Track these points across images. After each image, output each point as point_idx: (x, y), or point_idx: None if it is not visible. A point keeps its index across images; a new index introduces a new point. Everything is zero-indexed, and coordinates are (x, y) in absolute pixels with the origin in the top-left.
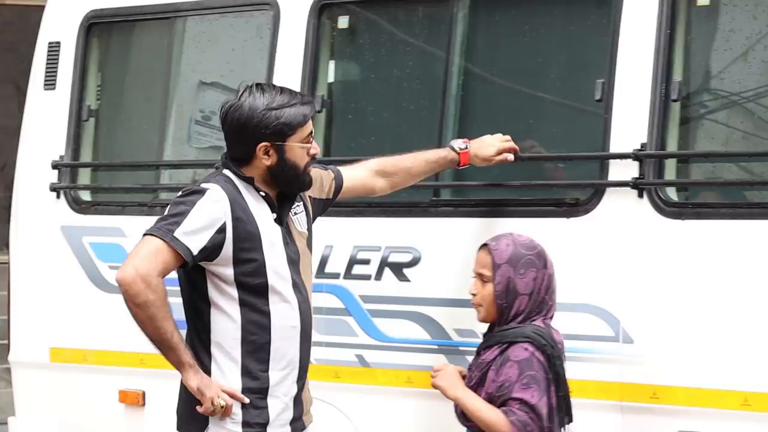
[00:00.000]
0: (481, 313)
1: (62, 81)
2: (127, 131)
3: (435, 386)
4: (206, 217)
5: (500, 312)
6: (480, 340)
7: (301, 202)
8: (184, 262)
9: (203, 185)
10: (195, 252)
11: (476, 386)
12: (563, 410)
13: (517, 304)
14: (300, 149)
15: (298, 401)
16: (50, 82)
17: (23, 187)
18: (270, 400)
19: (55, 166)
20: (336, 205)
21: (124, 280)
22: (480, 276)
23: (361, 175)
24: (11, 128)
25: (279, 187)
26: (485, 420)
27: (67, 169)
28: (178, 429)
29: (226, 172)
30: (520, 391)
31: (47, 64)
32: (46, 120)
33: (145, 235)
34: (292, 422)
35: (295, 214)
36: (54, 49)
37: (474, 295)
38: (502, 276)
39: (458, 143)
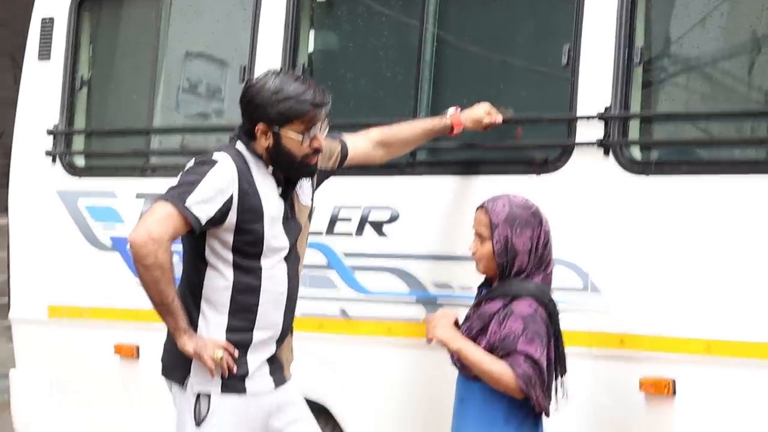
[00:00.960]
0: (480, 267)
1: (56, 53)
2: (118, 99)
3: (436, 338)
4: (215, 188)
5: (501, 269)
6: (456, 292)
7: None
8: (191, 228)
9: (214, 156)
10: (204, 221)
11: (477, 335)
12: (560, 363)
13: (518, 263)
14: (295, 140)
15: (275, 358)
16: (45, 54)
17: (21, 154)
18: (250, 356)
19: (50, 133)
20: None
21: (135, 241)
22: (479, 235)
23: (363, 145)
24: (8, 99)
25: (279, 170)
26: (490, 371)
27: (61, 136)
28: (162, 375)
29: (239, 145)
30: (525, 345)
31: (41, 38)
32: (41, 90)
33: (157, 200)
34: (272, 374)
35: (301, 187)
36: (48, 23)
37: (474, 252)
38: (500, 235)
39: (450, 110)
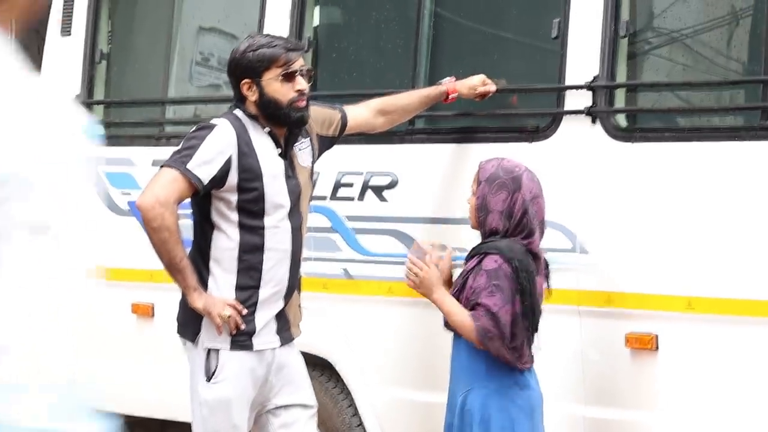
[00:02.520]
0: (471, 222)
1: (77, 28)
2: (135, 72)
3: (418, 290)
4: (215, 150)
5: (480, 225)
6: (452, 253)
7: (308, 138)
8: (196, 190)
9: (213, 121)
10: (206, 181)
11: (458, 292)
12: (528, 319)
13: (490, 221)
14: (278, 84)
15: (282, 315)
16: (66, 29)
17: None
18: (258, 314)
19: None
20: None
21: (143, 205)
22: (472, 189)
23: (363, 114)
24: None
25: (271, 122)
26: (455, 322)
27: (82, 106)
28: (177, 333)
29: (236, 111)
30: (485, 298)
31: (63, 13)
32: (63, 63)
33: (162, 167)
34: (279, 332)
35: (300, 149)
36: (69, 0)
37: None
38: (481, 192)
39: (445, 79)
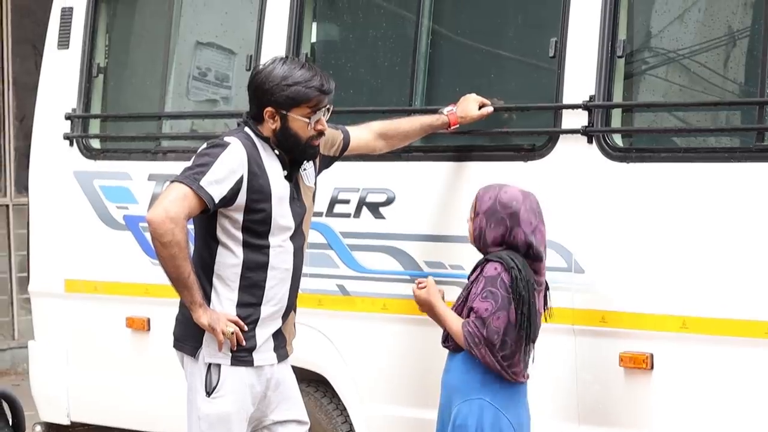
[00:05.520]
0: (469, 239)
1: (74, 41)
2: (132, 86)
3: (418, 298)
4: (227, 169)
5: (479, 250)
6: (447, 271)
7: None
8: (206, 207)
9: (225, 139)
10: (217, 200)
11: (462, 302)
12: (525, 329)
13: (488, 250)
14: (301, 122)
15: (279, 333)
16: (64, 43)
17: (40, 137)
18: (258, 330)
19: (68, 117)
20: None
21: (153, 219)
22: (470, 214)
23: (365, 136)
24: (29, 84)
25: (282, 149)
26: (449, 327)
27: (79, 120)
28: (174, 347)
29: (247, 129)
30: (478, 302)
31: (61, 26)
32: (60, 77)
33: (173, 182)
34: (276, 349)
35: (305, 170)
36: (67, 13)
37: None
38: (478, 224)
39: (446, 108)
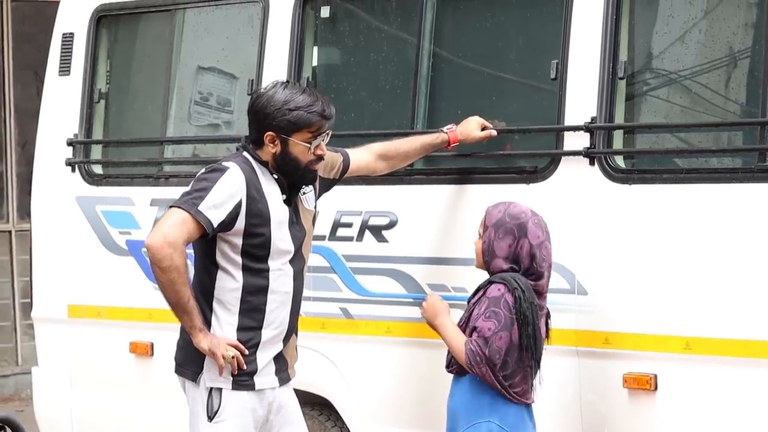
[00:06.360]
0: (475, 262)
1: (75, 68)
2: (134, 111)
3: (425, 314)
4: (226, 194)
5: (485, 267)
6: (450, 294)
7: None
8: (204, 232)
9: (224, 164)
10: (215, 224)
11: (464, 324)
12: (530, 350)
13: (495, 264)
14: (302, 146)
15: (281, 356)
16: (65, 69)
17: (42, 163)
18: (259, 354)
19: (70, 143)
20: None
21: (152, 245)
22: (479, 232)
23: (365, 158)
24: (31, 110)
25: (281, 173)
26: (452, 347)
27: (80, 145)
28: (176, 373)
29: (245, 154)
30: (481, 322)
31: (62, 52)
32: (61, 102)
33: (171, 207)
34: (277, 372)
35: (304, 193)
36: (68, 39)
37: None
38: (487, 236)
39: (446, 127)
